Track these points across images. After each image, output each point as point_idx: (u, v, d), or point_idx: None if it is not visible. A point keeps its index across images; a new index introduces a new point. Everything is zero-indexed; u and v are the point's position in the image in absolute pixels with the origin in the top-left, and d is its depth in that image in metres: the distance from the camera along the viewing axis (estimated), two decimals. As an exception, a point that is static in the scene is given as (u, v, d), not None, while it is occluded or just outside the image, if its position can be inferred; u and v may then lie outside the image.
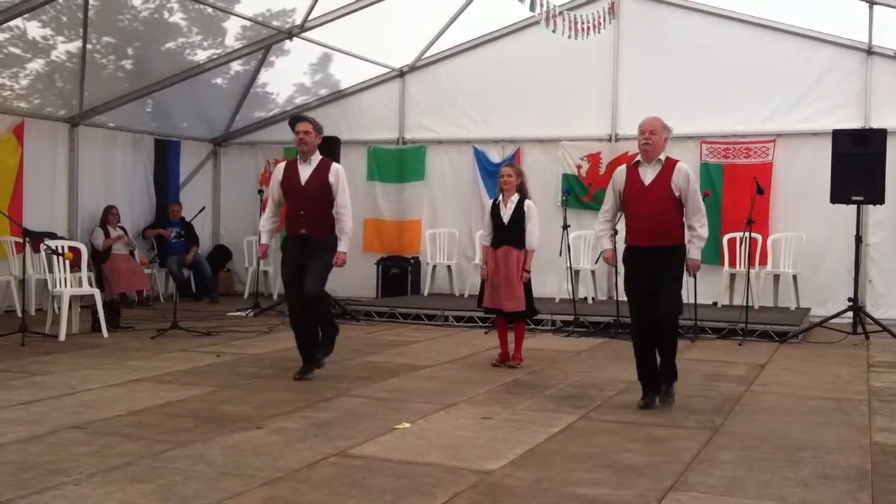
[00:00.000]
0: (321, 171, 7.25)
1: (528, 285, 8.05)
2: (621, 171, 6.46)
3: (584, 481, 4.56)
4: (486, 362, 8.36)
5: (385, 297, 13.10)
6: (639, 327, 6.38)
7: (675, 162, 6.29)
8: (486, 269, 8.19)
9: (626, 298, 6.55)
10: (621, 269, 6.63)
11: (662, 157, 6.26)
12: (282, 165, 7.48)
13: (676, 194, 6.21)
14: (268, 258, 7.72)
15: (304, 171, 7.26)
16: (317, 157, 7.30)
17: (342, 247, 7.29)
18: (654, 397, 6.37)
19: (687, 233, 6.33)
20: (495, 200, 8.20)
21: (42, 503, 4.12)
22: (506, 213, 8.02)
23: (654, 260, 6.18)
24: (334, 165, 7.36)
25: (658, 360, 6.41)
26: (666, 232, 6.22)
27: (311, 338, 7.33)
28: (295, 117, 7.45)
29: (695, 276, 6.54)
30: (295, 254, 7.25)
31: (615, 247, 6.75)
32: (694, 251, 6.30)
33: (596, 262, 12.22)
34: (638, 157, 6.35)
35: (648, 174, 6.26)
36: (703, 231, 6.29)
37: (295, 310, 7.33)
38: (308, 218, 7.20)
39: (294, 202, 7.27)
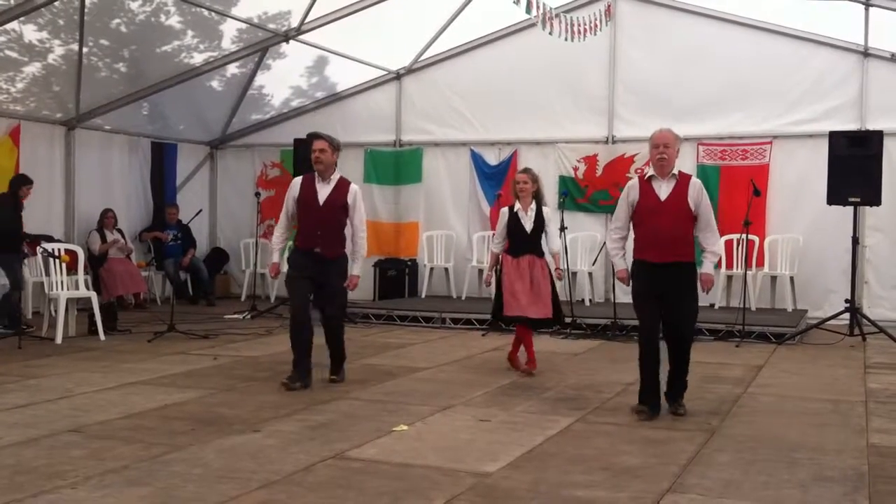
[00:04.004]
0: (340, 192, 7.15)
1: (554, 291, 7.93)
2: (634, 185, 6.33)
3: (581, 483, 4.56)
4: (483, 364, 8.36)
5: (382, 299, 13.09)
6: (648, 342, 6.22)
7: (689, 177, 6.26)
8: (490, 276, 8.20)
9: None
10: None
11: (675, 171, 6.22)
12: (298, 180, 7.32)
13: (693, 210, 6.16)
14: (279, 275, 7.67)
15: (323, 190, 7.13)
16: (336, 176, 7.19)
17: (355, 270, 7.25)
18: (657, 410, 6.30)
19: (699, 248, 6.30)
20: (512, 208, 7.95)
21: (38, 507, 4.12)
22: (528, 222, 7.84)
23: (670, 276, 6.09)
24: (353, 186, 7.26)
25: (667, 373, 6.32)
26: (683, 247, 6.13)
27: (309, 353, 7.24)
28: (311, 135, 7.33)
29: (707, 291, 6.45)
30: (305, 268, 7.10)
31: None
32: (707, 265, 6.24)
33: (593, 263, 12.24)
34: (650, 172, 6.28)
35: (664, 189, 6.17)
36: (716, 247, 6.28)
37: (297, 326, 7.15)
38: (324, 237, 7.10)
39: (310, 220, 7.15)
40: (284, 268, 7.54)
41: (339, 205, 7.13)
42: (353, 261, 7.27)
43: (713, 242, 6.25)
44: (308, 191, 7.17)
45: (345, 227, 7.24)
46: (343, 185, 7.22)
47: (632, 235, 6.43)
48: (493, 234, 8.39)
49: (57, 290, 9.59)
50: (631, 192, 6.32)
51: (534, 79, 12.97)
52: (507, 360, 8.11)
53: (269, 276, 7.99)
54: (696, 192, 6.17)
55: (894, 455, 5.24)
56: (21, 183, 10.09)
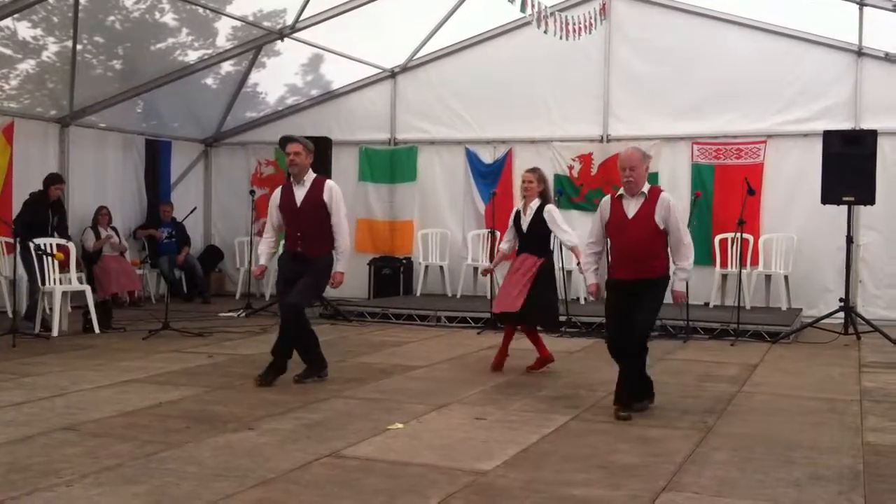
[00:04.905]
0: (315, 191, 7.18)
1: (553, 293, 7.91)
2: (606, 202, 6.40)
3: (578, 482, 4.56)
4: (479, 363, 8.36)
5: (377, 297, 13.08)
6: (615, 349, 6.31)
7: (659, 193, 6.27)
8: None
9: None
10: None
11: (645, 188, 6.24)
12: (279, 189, 7.40)
13: (661, 226, 6.17)
14: (263, 279, 7.69)
15: (299, 193, 7.19)
16: (310, 177, 7.24)
17: (339, 266, 7.25)
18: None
19: (671, 265, 6.32)
20: (518, 207, 8.02)
21: (33, 505, 4.10)
22: (525, 221, 7.84)
23: (636, 290, 6.15)
24: (328, 183, 7.28)
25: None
26: (649, 264, 6.15)
27: (300, 346, 7.28)
28: (285, 138, 7.32)
29: (678, 305, 6.52)
30: (290, 269, 7.18)
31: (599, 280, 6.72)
32: (678, 283, 6.31)
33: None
34: (620, 191, 6.32)
35: (631, 206, 6.23)
36: (687, 263, 6.24)
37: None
38: (305, 239, 7.14)
39: (291, 224, 7.22)
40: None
41: (316, 204, 7.15)
42: (336, 259, 7.26)
43: (684, 258, 6.23)
44: (286, 197, 7.26)
45: (327, 226, 7.20)
46: (318, 184, 7.24)
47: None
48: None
49: (51, 284, 9.56)
50: (603, 209, 6.41)
51: (529, 77, 12.97)
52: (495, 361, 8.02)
53: (254, 276, 8.13)
54: (664, 209, 6.16)
55: (890, 454, 5.25)
56: (49, 182, 10.15)
